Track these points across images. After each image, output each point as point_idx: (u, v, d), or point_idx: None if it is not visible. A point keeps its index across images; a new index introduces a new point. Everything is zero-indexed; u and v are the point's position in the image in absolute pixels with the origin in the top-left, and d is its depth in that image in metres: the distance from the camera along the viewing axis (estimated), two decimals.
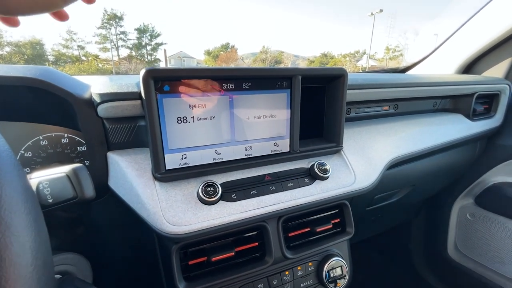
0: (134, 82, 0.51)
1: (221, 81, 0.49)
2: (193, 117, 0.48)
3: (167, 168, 0.48)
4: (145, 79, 0.43)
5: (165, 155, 0.48)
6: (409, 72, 1.36)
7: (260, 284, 0.55)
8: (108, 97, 0.47)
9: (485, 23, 1.08)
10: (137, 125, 0.52)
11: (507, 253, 1.10)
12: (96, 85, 0.49)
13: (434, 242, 1.38)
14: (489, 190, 1.13)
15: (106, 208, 0.59)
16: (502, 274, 1.13)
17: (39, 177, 0.31)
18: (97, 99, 0.47)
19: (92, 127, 0.50)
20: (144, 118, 0.52)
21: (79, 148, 0.59)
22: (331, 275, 0.60)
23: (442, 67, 1.25)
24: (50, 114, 0.56)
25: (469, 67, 1.20)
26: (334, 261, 0.61)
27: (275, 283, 0.56)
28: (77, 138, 0.59)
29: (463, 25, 1.14)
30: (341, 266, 0.61)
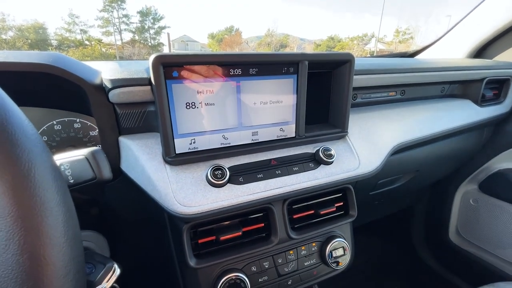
0: (143, 67, 0.52)
1: (229, 67, 0.50)
2: (201, 102, 0.50)
3: (177, 152, 0.50)
4: (155, 65, 0.44)
5: (175, 140, 0.49)
6: (418, 57, 1.33)
7: (266, 262, 0.58)
8: (119, 83, 0.48)
9: (498, 6, 1.04)
10: (147, 111, 0.54)
11: (508, 238, 1.12)
12: (106, 71, 0.50)
13: (436, 226, 1.40)
14: (493, 176, 1.14)
15: (118, 190, 0.62)
16: (503, 258, 1.16)
17: (60, 159, 0.33)
18: (108, 84, 0.48)
19: (104, 112, 0.52)
20: (153, 104, 0.53)
21: (91, 133, 0.61)
22: (334, 255, 0.63)
23: (452, 51, 1.22)
24: (63, 99, 0.57)
25: (480, 51, 1.17)
26: (336, 242, 0.63)
27: (280, 261, 0.59)
28: (89, 123, 0.61)
29: (475, 8, 1.10)
30: (343, 247, 0.64)
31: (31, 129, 0.23)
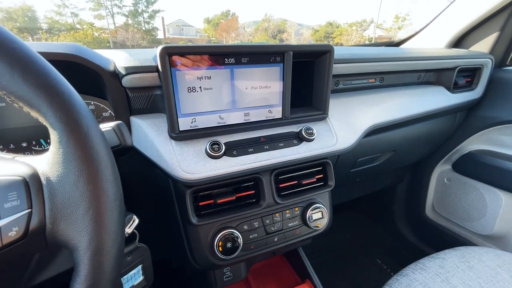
0: (150, 56, 0.60)
1: (224, 56, 0.59)
2: (200, 87, 0.59)
3: (180, 129, 0.60)
4: (162, 55, 0.53)
5: (179, 119, 0.59)
6: (403, 46, 1.41)
7: (256, 222, 0.69)
8: (132, 70, 0.56)
9: None
10: (154, 94, 0.62)
11: (475, 212, 1.26)
12: (120, 59, 0.59)
13: (415, 204, 1.54)
14: (465, 157, 1.26)
15: (127, 164, 0.72)
16: (469, 230, 1.30)
17: None
18: (122, 71, 0.57)
19: (117, 95, 0.61)
20: (159, 88, 0.62)
21: (103, 114, 0.70)
22: (313, 218, 0.74)
23: (434, 40, 1.30)
24: (79, 84, 0.66)
25: (458, 42, 1.25)
26: (316, 207, 0.74)
27: (267, 222, 0.70)
28: (102, 105, 0.70)
29: (454, 1, 1.18)
30: (321, 212, 0.75)
31: (85, 104, 0.32)
